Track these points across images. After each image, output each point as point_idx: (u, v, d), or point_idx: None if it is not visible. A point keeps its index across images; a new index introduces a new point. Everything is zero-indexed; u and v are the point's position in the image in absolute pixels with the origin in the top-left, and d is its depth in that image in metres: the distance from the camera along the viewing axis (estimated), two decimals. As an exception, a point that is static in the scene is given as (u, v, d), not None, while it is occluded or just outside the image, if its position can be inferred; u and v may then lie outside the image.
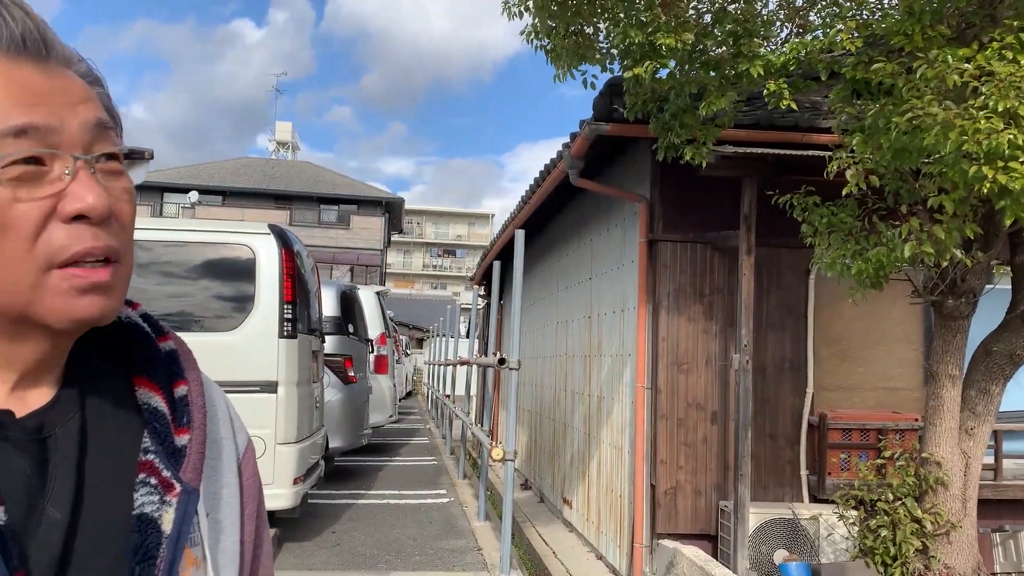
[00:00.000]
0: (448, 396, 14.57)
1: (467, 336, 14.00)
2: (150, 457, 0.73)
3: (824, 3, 5.33)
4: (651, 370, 6.30)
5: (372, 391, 11.26)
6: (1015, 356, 4.96)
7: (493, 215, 65.52)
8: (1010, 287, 5.10)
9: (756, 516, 5.68)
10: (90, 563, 0.68)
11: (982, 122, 3.65)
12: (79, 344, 0.75)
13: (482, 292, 16.38)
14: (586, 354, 8.25)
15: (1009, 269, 5.08)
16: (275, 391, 5.77)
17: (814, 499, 6.08)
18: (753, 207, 5.66)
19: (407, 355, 29.63)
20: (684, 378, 6.25)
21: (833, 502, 5.63)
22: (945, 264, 4.64)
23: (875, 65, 4.22)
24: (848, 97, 4.66)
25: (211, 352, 4.63)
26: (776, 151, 5.53)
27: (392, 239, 42.29)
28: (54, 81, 0.69)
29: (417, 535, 7.10)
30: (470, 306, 11.70)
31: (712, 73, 5.00)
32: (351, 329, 10.01)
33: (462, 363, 11.67)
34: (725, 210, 5.97)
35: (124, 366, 0.78)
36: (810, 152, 5.38)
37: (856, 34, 4.42)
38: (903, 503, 5.08)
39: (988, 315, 5.18)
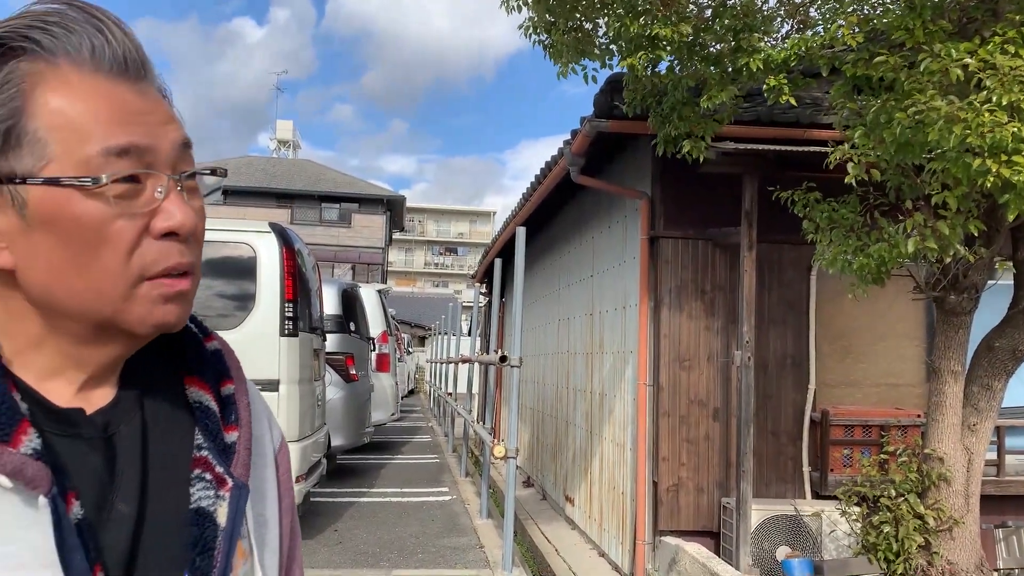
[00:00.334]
0: (450, 394, 14.56)
1: (469, 334, 14.00)
2: (203, 453, 0.77)
3: (824, -2, 5.31)
4: (653, 367, 6.29)
5: (374, 389, 11.26)
6: (1017, 352, 4.95)
7: (495, 213, 65.53)
8: (1012, 283, 5.09)
9: (758, 513, 5.68)
10: (155, 555, 0.71)
11: (985, 115, 3.64)
12: None
13: (484, 290, 16.38)
14: (588, 351, 8.24)
15: (1011, 265, 5.07)
16: (276, 389, 5.77)
17: (816, 495, 6.08)
18: (754, 203, 5.65)
19: (409, 353, 29.64)
20: (686, 375, 6.24)
21: (835, 498, 5.62)
22: (947, 260, 4.63)
23: (877, 59, 4.20)
24: (849, 93, 4.65)
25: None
26: (777, 147, 5.51)
27: (393, 237, 42.30)
28: (147, 101, 0.72)
29: (419, 533, 7.09)
30: (472, 304, 11.69)
31: (712, 68, 4.99)
32: (353, 327, 10.01)
33: (464, 361, 11.66)
34: (726, 207, 5.96)
35: (174, 366, 0.82)
36: (811, 148, 5.37)
37: (857, 29, 4.40)
38: (906, 499, 5.07)
39: (990, 311, 5.17)
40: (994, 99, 3.68)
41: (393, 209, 36.99)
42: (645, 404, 6.29)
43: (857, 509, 5.39)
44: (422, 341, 35.53)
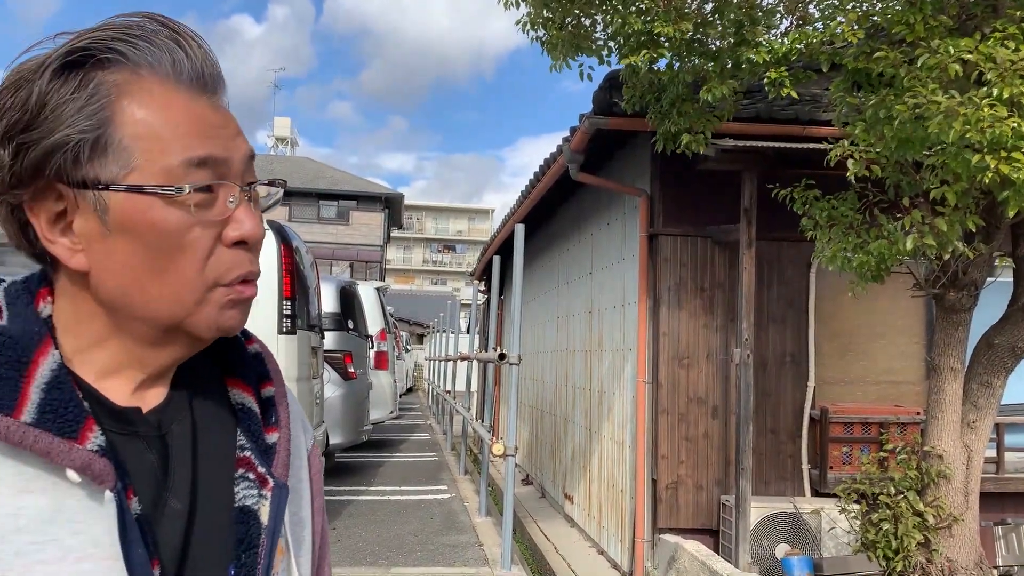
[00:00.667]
0: (449, 392, 14.55)
1: (467, 332, 13.99)
2: (247, 453, 0.80)
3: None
4: (652, 365, 6.28)
5: (372, 387, 11.24)
6: (1017, 349, 4.94)
7: (493, 210, 65.47)
8: (1012, 280, 5.08)
9: (758, 510, 5.67)
10: (205, 551, 0.74)
11: (985, 110, 3.63)
12: None
13: (482, 287, 16.37)
14: (587, 349, 8.23)
15: (1011, 261, 5.06)
16: (275, 387, 5.75)
17: (816, 493, 6.07)
18: (753, 201, 5.63)
19: (407, 351, 29.64)
20: (685, 372, 6.23)
21: (835, 496, 5.61)
22: (947, 257, 4.62)
23: (877, 55, 4.19)
24: (849, 88, 4.64)
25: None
26: (776, 144, 5.50)
27: (392, 235, 42.27)
28: (221, 115, 0.76)
29: (418, 531, 7.08)
30: (470, 302, 11.68)
31: (711, 63, 4.97)
32: (351, 325, 9.99)
33: (462, 359, 11.65)
34: (725, 204, 5.95)
35: (217, 368, 0.84)
36: (810, 145, 5.36)
37: (857, 26, 4.39)
38: (905, 496, 5.07)
39: (990, 308, 5.16)
40: (994, 92, 3.67)
41: (391, 207, 36.94)
42: (644, 402, 6.28)
43: (856, 507, 5.39)
44: (420, 339, 35.53)
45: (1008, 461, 6.25)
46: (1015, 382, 5.29)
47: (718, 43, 5.05)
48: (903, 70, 4.09)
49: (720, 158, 5.51)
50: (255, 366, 0.86)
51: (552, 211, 9.91)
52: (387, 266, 42.37)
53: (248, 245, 0.76)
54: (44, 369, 0.70)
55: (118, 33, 0.72)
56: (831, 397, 6.22)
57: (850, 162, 4.37)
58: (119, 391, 0.75)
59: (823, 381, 6.26)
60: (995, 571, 5.45)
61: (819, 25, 4.94)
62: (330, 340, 8.67)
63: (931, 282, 4.97)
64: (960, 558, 4.97)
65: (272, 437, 0.82)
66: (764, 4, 5.16)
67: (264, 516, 0.77)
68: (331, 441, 8.43)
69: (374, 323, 12.68)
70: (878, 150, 4.29)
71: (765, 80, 4.72)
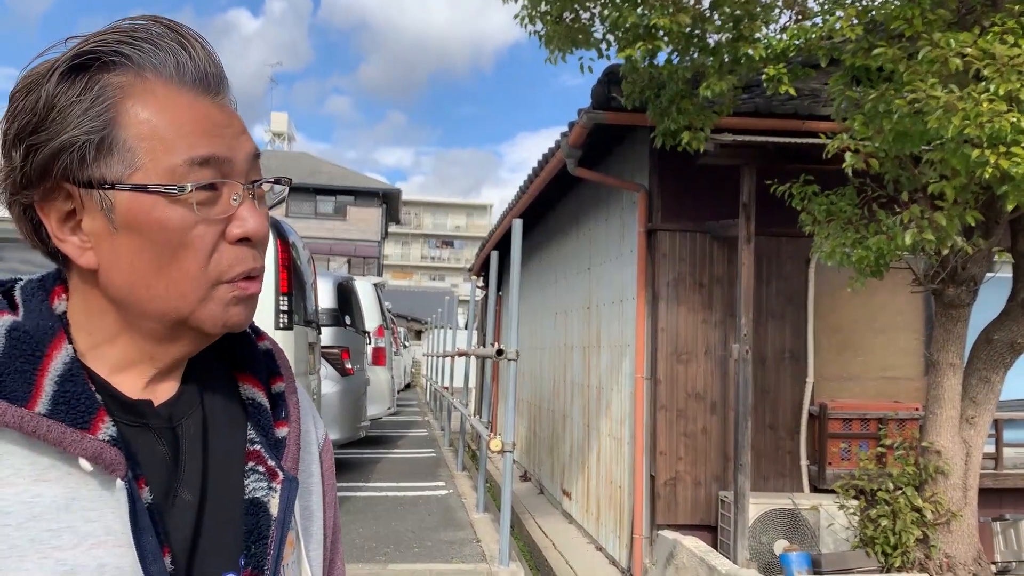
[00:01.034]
0: (447, 388, 14.54)
1: (465, 327, 13.97)
2: (256, 447, 0.82)
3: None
4: (650, 360, 6.27)
5: (370, 383, 11.22)
6: (1016, 344, 4.93)
7: (491, 206, 65.43)
8: (1011, 275, 5.07)
9: (756, 506, 5.66)
10: (215, 541, 0.77)
11: (984, 105, 3.61)
12: None
13: (480, 283, 16.36)
14: (585, 345, 8.22)
15: (1010, 257, 5.05)
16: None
17: (814, 489, 6.07)
18: (752, 196, 5.62)
19: (405, 347, 29.64)
20: (683, 368, 6.22)
21: (833, 492, 5.60)
22: (946, 252, 4.61)
23: (876, 50, 4.17)
24: (848, 83, 4.62)
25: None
26: (775, 139, 5.48)
27: (389, 230, 42.21)
28: (225, 114, 0.78)
29: (416, 527, 7.08)
30: (468, 298, 11.66)
31: (710, 58, 4.95)
32: (348, 321, 9.97)
33: (460, 354, 11.64)
34: (724, 199, 5.94)
35: (228, 363, 0.87)
36: (809, 140, 5.34)
37: (856, 21, 4.37)
38: (903, 492, 5.06)
39: (989, 303, 5.15)
40: (992, 88, 3.65)
41: (389, 202, 36.89)
42: (642, 398, 6.27)
43: (855, 502, 5.38)
44: (418, 335, 35.51)
45: (1007, 457, 6.25)
46: (1014, 378, 5.29)
47: (716, 38, 5.03)
48: (902, 65, 4.07)
49: (719, 153, 5.49)
50: (265, 362, 0.88)
51: (550, 207, 9.89)
52: (385, 262, 42.34)
53: (252, 242, 0.78)
54: (58, 362, 0.72)
55: (123, 36, 0.75)
56: (830, 393, 6.22)
57: (849, 156, 4.36)
58: (131, 385, 0.78)
59: (822, 377, 6.25)
60: (993, 567, 5.45)
61: (818, 20, 4.91)
62: (327, 336, 8.66)
63: (930, 277, 4.96)
64: (958, 554, 4.97)
65: (282, 431, 0.85)
66: (762, 0, 5.13)
67: (274, 508, 0.79)
68: (328, 437, 8.41)
69: (372, 319, 12.66)
70: (877, 144, 4.28)
71: (764, 76, 4.70)
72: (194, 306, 0.76)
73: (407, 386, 29.19)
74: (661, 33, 4.71)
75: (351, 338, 9.81)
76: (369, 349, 11.78)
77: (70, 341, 0.75)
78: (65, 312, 0.77)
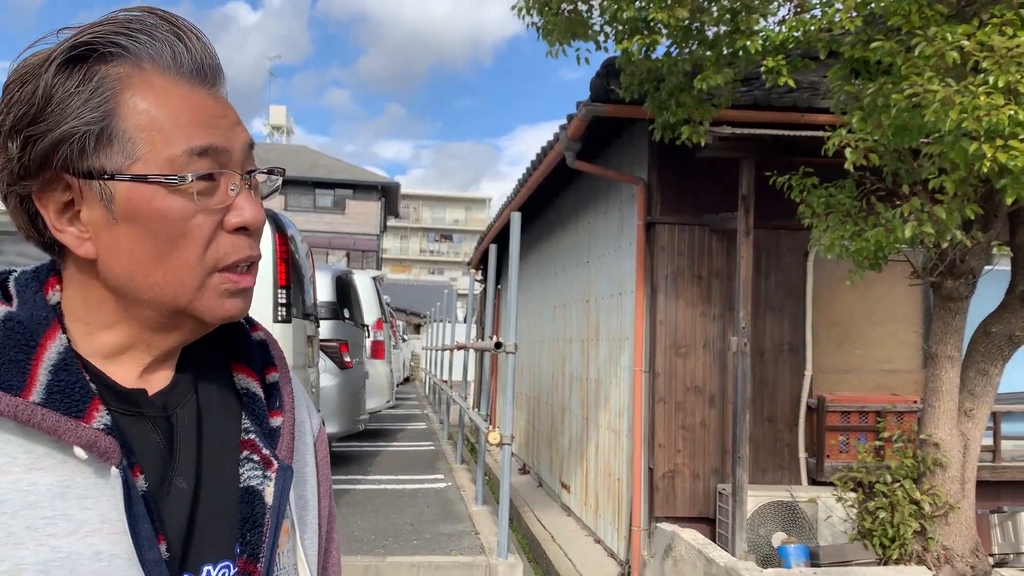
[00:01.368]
0: (445, 381, 14.55)
1: (464, 321, 13.98)
2: (251, 436, 0.82)
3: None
4: (649, 354, 6.27)
5: (369, 376, 11.22)
6: (1014, 337, 4.93)
7: (490, 199, 65.32)
8: (1009, 268, 5.07)
9: (754, 499, 5.67)
10: (210, 529, 0.77)
11: (982, 98, 3.61)
12: None
13: (479, 277, 16.35)
14: (584, 338, 8.22)
15: (1008, 250, 5.05)
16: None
17: (812, 482, 6.08)
18: (751, 189, 5.61)
19: (404, 341, 29.63)
20: (682, 361, 6.22)
21: (831, 484, 5.61)
22: (945, 245, 4.61)
23: (874, 44, 4.16)
24: (847, 76, 4.61)
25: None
26: (774, 132, 5.48)
27: (388, 224, 42.18)
28: (221, 105, 0.79)
29: (415, 520, 7.08)
30: (467, 291, 11.67)
31: (708, 52, 4.94)
32: (347, 314, 9.96)
33: (459, 348, 11.64)
34: (723, 192, 5.93)
35: (223, 353, 0.87)
36: (808, 133, 5.34)
37: (855, 13, 4.36)
38: (901, 485, 5.07)
39: (987, 296, 5.15)
40: (991, 80, 3.65)
41: (388, 196, 36.85)
42: (641, 391, 6.27)
43: (853, 495, 5.39)
44: (417, 328, 35.51)
45: (1005, 449, 6.26)
46: (1012, 370, 5.29)
47: (714, 30, 5.02)
48: (900, 58, 4.06)
49: (718, 146, 5.49)
50: (260, 352, 0.89)
51: (549, 200, 9.88)
52: (384, 255, 42.31)
53: (249, 231, 0.78)
54: (52, 352, 0.73)
55: (119, 27, 0.75)
56: (828, 386, 6.22)
57: (848, 150, 4.35)
58: (126, 374, 0.78)
59: (820, 370, 6.26)
60: (991, 559, 5.46)
61: (816, 12, 4.90)
62: (326, 329, 8.65)
63: (929, 270, 4.96)
64: (956, 546, 4.98)
65: (276, 421, 0.85)
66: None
67: (269, 497, 0.80)
68: (327, 430, 8.41)
69: (370, 312, 12.65)
70: (876, 138, 4.27)
71: (762, 68, 4.69)
72: (192, 295, 0.76)
73: (406, 379, 29.20)
74: (659, 27, 4.69)
75: (350, 331, 9.80)
76: (368, 342, 11.77)
77: (64, 331, 0.75)
78: (59, 303, 0.78)
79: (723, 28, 4.91)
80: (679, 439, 6.18)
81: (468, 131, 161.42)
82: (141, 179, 0.73)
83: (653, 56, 5.08)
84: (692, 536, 5.51)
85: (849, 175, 4.73)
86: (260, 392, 0.86)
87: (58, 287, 0.78)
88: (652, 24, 4.69)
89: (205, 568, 0.76)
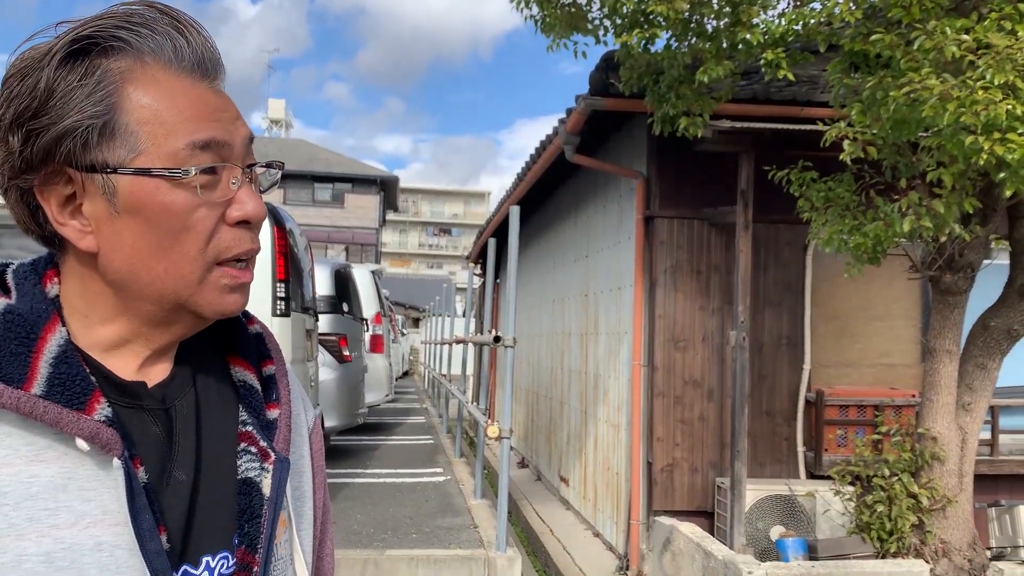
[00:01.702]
0: (444, 375, 14.55)
1: (463, 315, 13.98)
2: (248, 428, 0.83)
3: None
4: (648, 348, 6.28)
5: (368, 370, 11.22)
6: (1012, 331, 4.94)
7: (489, 193, 65.28)
8: (1008, 262, 5.07)
9: (753, 493, 5.68)
10: (209, 520, 0.78)
11: (979, 94, 3.60)
12: None
13: (478, 271, 16.36)
14: (583, 332, 8.22)
15: (1007, 244, 5.05)
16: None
17: (811, 475, 6.09)
18: (750, 183, 5.61)
19: (403, 335, 29.64)
20: (681, 355, 6.23)
21: (830, 478, 5.63)
22: (943, 239, 4.61)
23: (873, 37, 4.16)
24: (846, 69, 4.61)
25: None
26: (773, 125, 5.47)
27: (387, 218, 42.13)
28: (222, 99, 0.79)
29: (413, 513, 7.09)
30: (466, 285, 11.66)
31: (708, 44, 4.93)
32: (346, 308, 9.96)
33: (458, 342, 11.65)
34: (722, 186, 5.93)
35: (220, 346, 0.88)
36: (808, 126, 5.33)
37: (854, 6, 4.36)
38: (899, 479, 5.08)
39: (986, 290, 5.16)
40: (988, 77, 3.64)
41: (387, 189, 36.81)
42: (640, 385, 6.27)
43: (851, 489, 5.40)
44: (416, 322, 35.52)
45: (1002, 443, 6.27)
46: (1010, 364, 5.30)
47: (714, 23, 5.01)
48: (900, 52, 4.05)
49: (717, 139, 5.48)
50: (256, 345, 0.90)
51: (548, 194, 9.87)
52: (383, 249, 42.29)
53: (250, 224, 0.79)
54: (52, 344, 0.73)
55: (120, 21, 0.75)
56: (827, 380, 6.23)
57: (847, 144, 4.35)
58: (125, 367, 0.78)
59: (819, 364, 6.26)
60: (988, 552, 5.47)
61: (816, 5, 4.90)
62: (325, 323, 8.65)
63: (927, 264, 4.96)
64: (954, 539, 4.99)
65: (273, 413, 0.86)
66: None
67: (266, 488, 0.81)
68: (326, 424, 8.42)
69: (369, 306, 12.65)
70: (875, 132, 4.27)
71: (762, 61, 4.68)
72: (193, 288, 0.76)
73: (405, 373, 29.21)
74: (659, 20, 4.68)
75: (349, 325, 9.80)
76: (367, 336, 11.77)
77: (63, 324, 0.76)
78: (58, 295, 0.78)
79: (723, 21, 4.90)
80: (678, 433, 6.18)
81: (467, 125, 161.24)
82: (144, 173, 0.73)
83: (653, 49, 5.08)
84: (691, 529, 5.52)
85: (848, 169, 4.73)
86: (257, 385, 0.87)
87: (56, 280, 0.79)
88: (652, 17, 4.68)
89: (204, 559, 0.77)
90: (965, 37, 3.80)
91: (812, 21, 4.59)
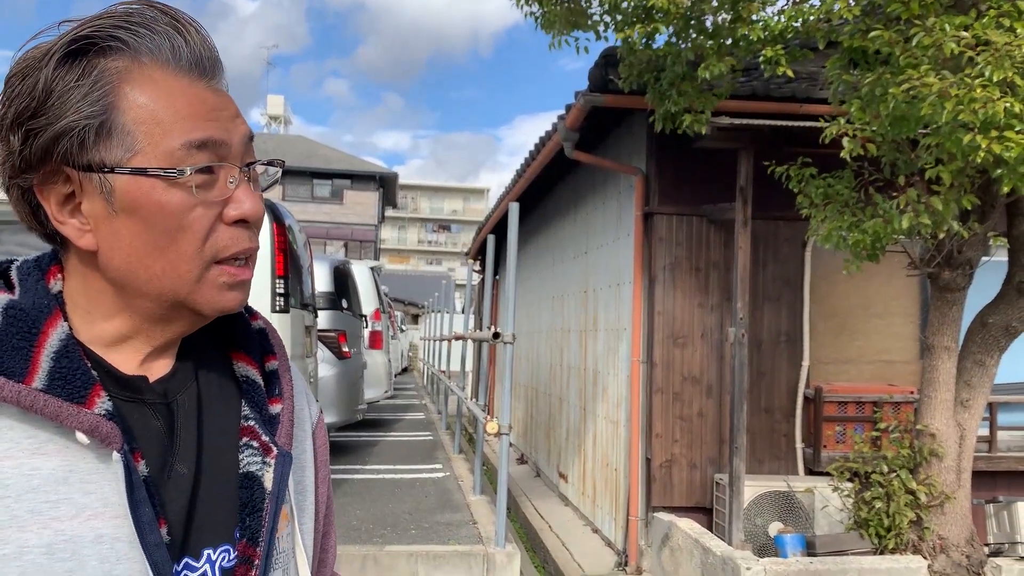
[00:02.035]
0: (444, 372, 14.56)
1: (462, 311, 13.98)
2: (251, 423, 0.84)
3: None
4: (647, 344, 6.28)
5: (367, 367, 11.23)
6: (1010, 328, 4.95)
7: (488, 190, 65.26)
8: (1006, 259, 5.07)
9: (751, 489, 5.69)
10: (210, 514, 0.78)
11: (978, 91, 3.61)
12: None
13: (477, 267, 16.36)
14: (582, 328, 8.23)
15: (1005, 241, 5.06)
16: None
17: (809, 472, 6.10)
18: (749, 179, 5.61)
19: (403, 331, 29.64)
20: (680, 352, 6.23)
21: (828, 474, 5.64)
22: (942, 236, 4.62)
23: (872, 33, 4.16)
24: (845, 66, 4.61)
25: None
26: (773, 122, 5.47)
27: (387, 214, 42.12)
28: (220, 98, 0.79)
29: (413, 509, 7.11)
30: (465, 282, 11.67)
31: (709, 41, 4.93)
32: (345, 304, 9.97)
33: (457, 338, 11.66)
34: (721, 182, 5.93)
35: (223, 342, 0.89)
36: (807, 123, 5.33)
37: (853, 3, 4.36)
38: (898, 475, 5.09)
39: (985, 287, 5.16)
40: (986, 74, 3.65)
41: (386, 186, 36.79)
42: (639, 381, 6.28)
43: (849, 485, 5.41)
44: (415, 319, 35.53)
45: (1000, 440, 6.28)
46: (1008, 361, 5.31)
47: (716, 18, 5.01)
48: (899, 48, 4.05)
49: (716, 136, 5.48)
50: (259, 340, 0.90)
51: (548, 190, 9.87)
52: (382, 246, 42.28)
53: (248, 223, 0.79)
54: (53, 339, 0.74)
55: (119, 21, 0.75)
56: (825, 376, 6.23)
57: (846, 140, 4.35)
58: (126, 362, 0.79)
59: (818, 360, 6.27)
60: (986, 549, 5.48)
61: (815, 2, 4.89)
62: (324, 319, 8.66)
63: (926, 261, 4.97)
64: (951, 536, 5.00)
65: (275, 408, 0.86)
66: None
67: (268, 482, 0.81)
68: (325, 420, 8.42)
69: (368, 303, 12.65)
70: (874, 128, 4.27)
71: (761, 58, 4.68)
72: (191, 287, 0.77)
73: (404, 370, 29.22)
74: (659, 14, 4.68)
75: (348, 322, 9.81)
76: (366, 333, 11.78)
77: (66, 319, 0.76)
78: (61, 292, 0.79)
79: (723, 17, 4.90)
80: (677, 429, 6.19)
81: (467, 121, 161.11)
82: (140, 172, 0.74)
83: (654, 46, 5.07)
84: (689, 525, 5.53)
85: (847, 165, 4.73)
86: (260, 380, 0.87)
87: (60, 276, 0.79)
88: (652, 12, 4.68)
89: (205, 552, 0.77)
90: (964, 34, 3.80)
91: (811, 18, 4.59)
